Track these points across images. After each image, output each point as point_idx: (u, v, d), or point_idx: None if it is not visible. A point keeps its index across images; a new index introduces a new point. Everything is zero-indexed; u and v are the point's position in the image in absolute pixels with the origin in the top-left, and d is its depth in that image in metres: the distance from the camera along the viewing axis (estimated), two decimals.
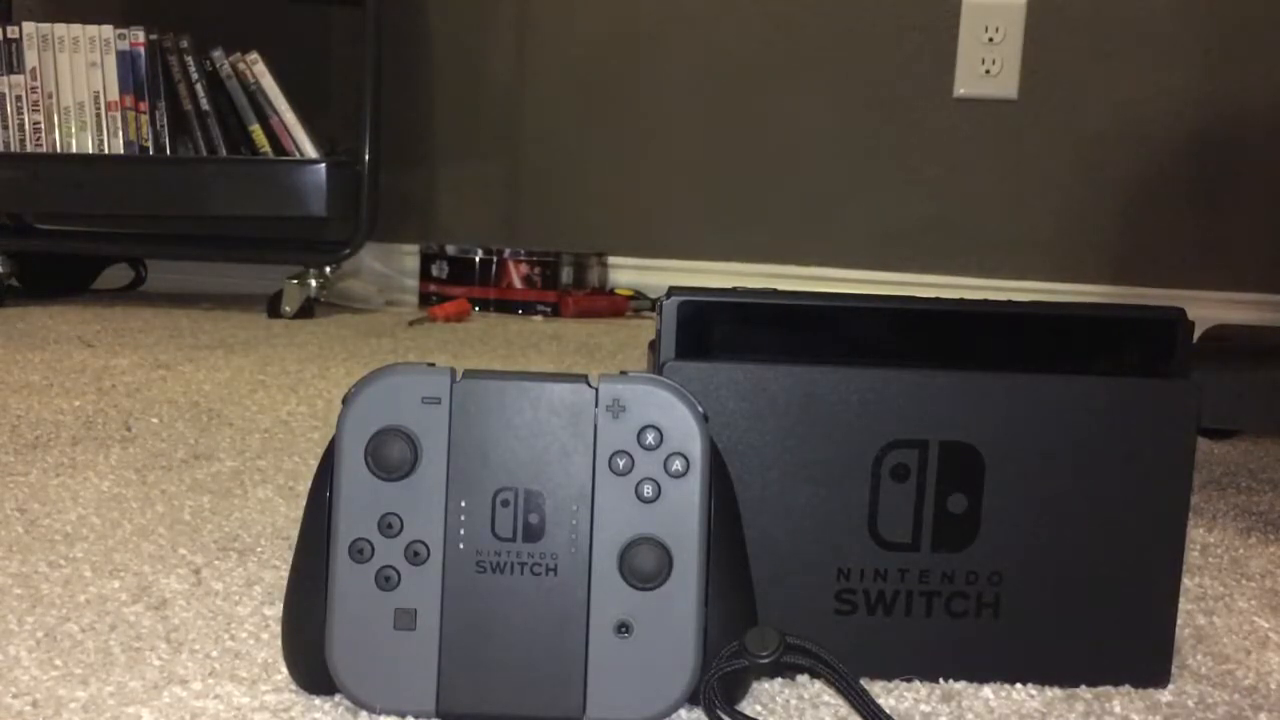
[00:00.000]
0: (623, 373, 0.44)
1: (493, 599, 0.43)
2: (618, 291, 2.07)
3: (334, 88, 2.16)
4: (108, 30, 1.82)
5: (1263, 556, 0.71)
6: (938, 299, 0.49)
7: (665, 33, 2.09)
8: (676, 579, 0.43)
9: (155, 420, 0.97)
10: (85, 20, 1.83)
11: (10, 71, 1.83)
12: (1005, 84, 2.00)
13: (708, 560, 0.43)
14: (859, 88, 2.05)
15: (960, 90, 2.01)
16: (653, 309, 1.94)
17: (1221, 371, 0.86)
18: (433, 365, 0.44)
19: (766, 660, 0.42)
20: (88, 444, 0.88)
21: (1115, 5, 1.96)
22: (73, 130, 1.83)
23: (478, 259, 2.02)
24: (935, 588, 0.48)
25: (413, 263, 2.11)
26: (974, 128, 2.02)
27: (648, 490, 0.43)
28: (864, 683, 0.44)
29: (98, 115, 1.83)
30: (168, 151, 1.84)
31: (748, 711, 0.45)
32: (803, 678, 0.48)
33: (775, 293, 0.49)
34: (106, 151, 1.83)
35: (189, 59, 1.84)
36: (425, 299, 2.05)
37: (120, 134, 1.83)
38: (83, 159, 1.83)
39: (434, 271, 2.05)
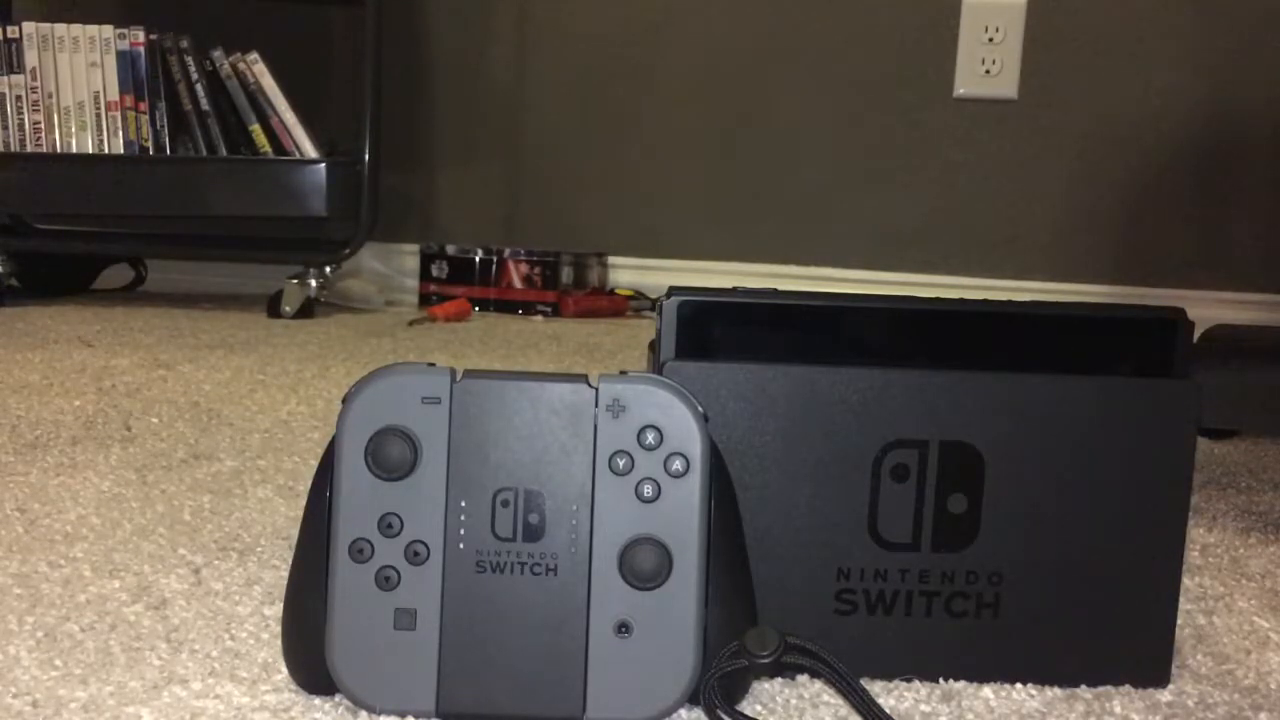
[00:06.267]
0: (623, 373, 0.44)
1: (493, 599, 0.43)
2: (618, 291, 2.07)
3: (334, 88, 2.16)
4: (108, 30, 1.82)
5: (1263, 556, 0.71)
6: (938, 299, 0.49)
7: (665, 32, 2.09)
8: (676, 579, 0.43)
9: (155, 420, 0.97)
10: (85, 20, 1.83)
11: (10, 71, 1.83)
12: (1005, 84, 2.00)
13: (708, 560, 0.43)
14: (859, 87, 2.05)
15: (960, 90, 2.01)
16: (653, 309, 1.94)
17: (1221, 371, 0.86)
18: (433, 365, 0.44)
19: (766, 660, 0.42)
20: (88, 444, 0.88)
21: (1115, 5, 1.96)
22: (73, 130, 1.83)
23: (478, 259, 2.02)
24: (935, 588, 0.48)
25: (413, 263, 2.11)
26: (974, 128, 2.02)
27: (648, 490, 0.43)
28: (864, 683, 0.44)
29: (98, 115, 1.83)
30: (168, 151, 1.84)
31: (748, 711, 0.45)
32: (803, 678, 0.48)
33: (775, 293, 0.49)
34: (106, 151, 1.83)
35: (189, 59, 1.83)
36: (425, 299, 2.05)
37: (120, 134, 1.83)
38: (83, 159, 1.83)
39: (434, 271, 2.05)
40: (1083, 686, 0.49)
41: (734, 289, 0.49)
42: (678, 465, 0.43)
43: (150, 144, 1.83)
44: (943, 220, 2.04)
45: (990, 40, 1.99)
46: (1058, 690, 0.48)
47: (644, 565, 0.43)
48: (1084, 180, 2.00)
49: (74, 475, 0.79)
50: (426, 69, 2.15)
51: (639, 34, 2.10)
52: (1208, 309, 1.84)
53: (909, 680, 0.48)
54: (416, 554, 0.43)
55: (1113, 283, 1.99)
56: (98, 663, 0.48)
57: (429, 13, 2.14)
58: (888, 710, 0.44)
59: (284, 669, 0.46)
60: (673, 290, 0.48)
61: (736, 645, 0.43)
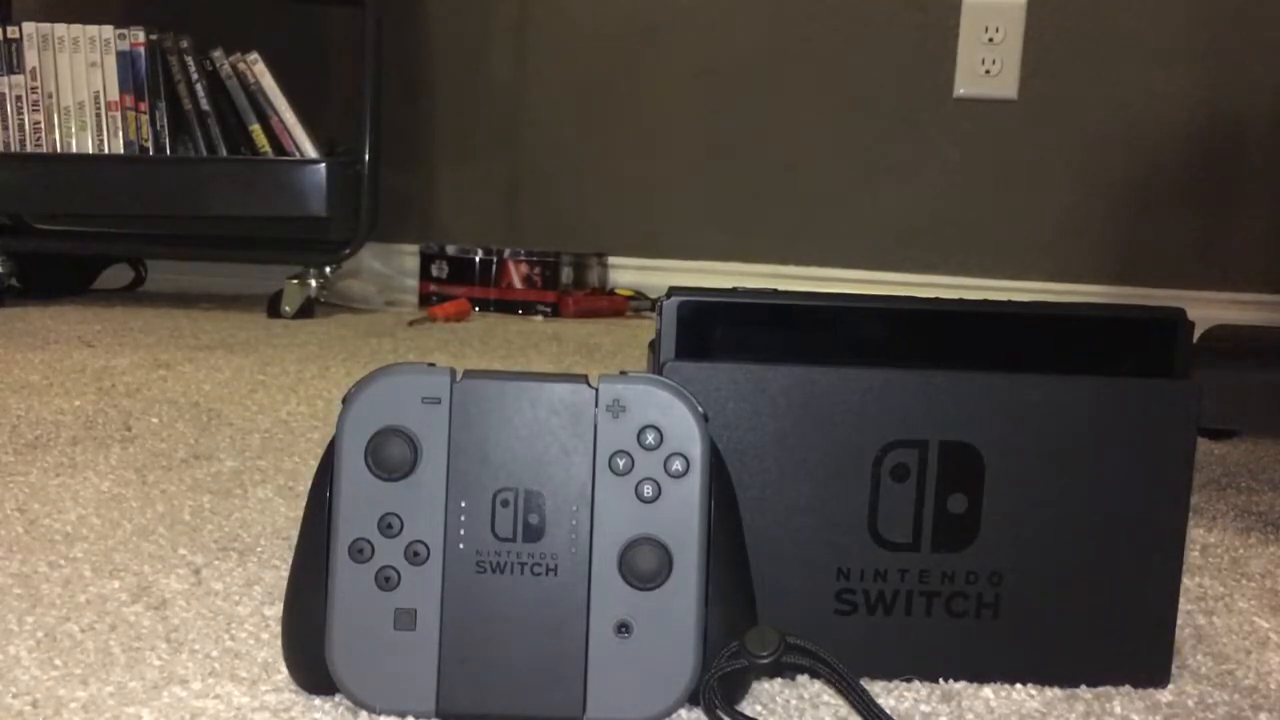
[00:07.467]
0: (623, 373, 0.44)
1: (493, 599, 0.43)
2: (618, 291, 2.07)
3: (334, 88, 2.16)
4: (108, 30, 1.82)
5: (1263, 556, 0.71)
6: (938, 299, 0.49)
7: (665, 32, 2.09)
8: (676, 579, 0.43)
9: (155, 420, 0.97)
10: (85, 20, 1.83)
11: (10, 71, 1.83)
12: (1005, 84, 2.00)
13: (708, 560, 0.43)
14: (859, 87, 2.05)
15: (960, 90, 2.01)
16: (653, 309, 1.94)
17: (1221, 371, 0.86)
18: (433, 365, 0.44)
19: (766, 660, 0.42)
20: (88, 444, 0.88)
21: (1115, 5, 1.96)
22: (73, 130, 1.83)
23: (478, 259, 2.02)
24: (935, 588, 0.48)
25: (413, 263, 2.11)
26: (974, 128, 2.02)
27: (648, 490, 0.43)
28: (864, 683, 0.44)
29: (98, 115, 1.83)
30: (168, 151, 1.84)
31: (748, 711, 0.45)
32: (803, 678, 0.48)
33: (775, 293, 0.49)
34: (106, 151, 1.83)
35: (189, 59, 1.83)
36: (425, 299, 2.05)
37: (120, 134, 1.83)
38: (83, 159, 1.83)
39: (434, 271, 2.05)
40: (1083, 686, 0.49)
41: (734, 289, 0.49)
42: (678, 465, 0.43)
43: (150, 144, 1.83)
44: (943, 220, 2.04)
45: (990, 40, 1.99)
46: (1058, 690, 0.48)
47: (644, 565, 0.43)
48: (1084, 180, 2.00)
49: (74, 475, 0.79)
50: (426, 69, 2.15)
51: (639, 34, 2.10)
52: (1208, 309, 1.84)
53: (909, 680, 0.48)
54: (416, 554, 0.43)
55: (1113, 283, 1.99)
56: (98, 663, 0.48)
57: (429, 13, 2.14)
58: (888, 710, 0.44)
59: (284, 669, 0.46)
60: (673, 290, 0.48)
61: (736, 645, 0.43)
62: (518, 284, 2.01)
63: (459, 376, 0.43)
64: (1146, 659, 0.49)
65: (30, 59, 1.82)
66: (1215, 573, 0.67)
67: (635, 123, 2.12)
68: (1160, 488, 0.48)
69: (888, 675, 0.48)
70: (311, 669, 0.44)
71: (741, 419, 0.47)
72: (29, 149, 1.83)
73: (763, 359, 0.47)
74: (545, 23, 2.13)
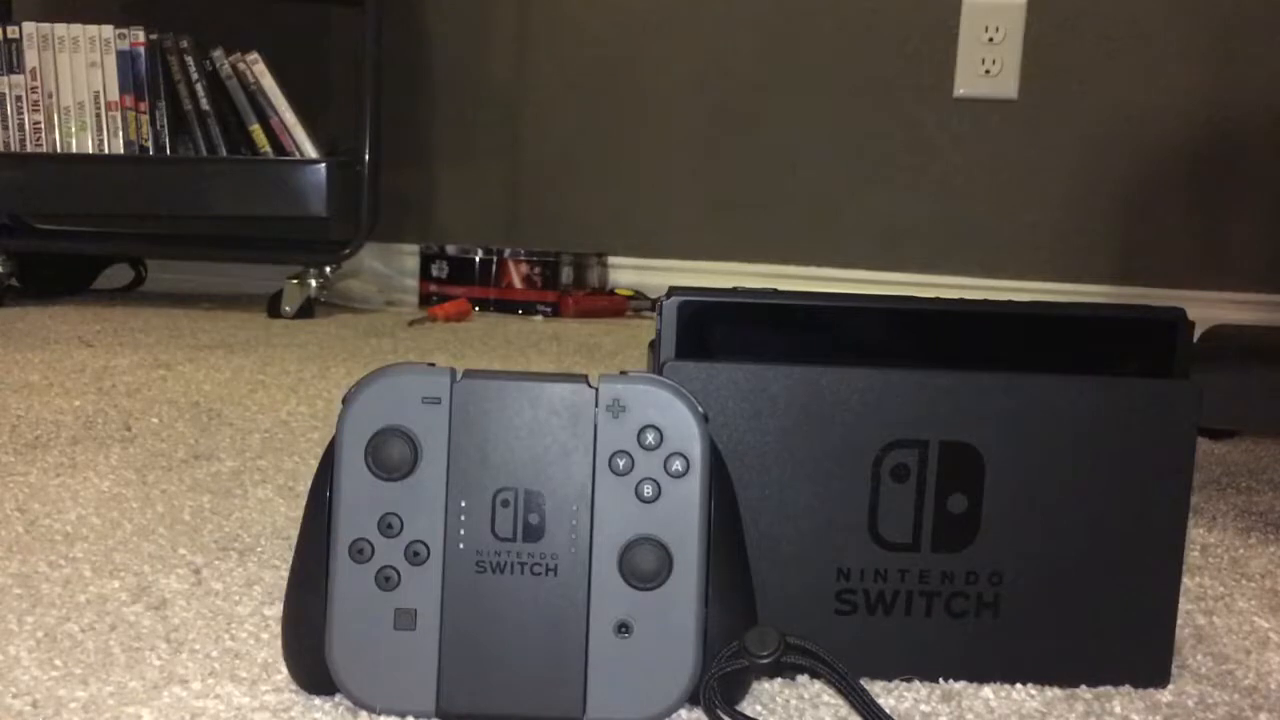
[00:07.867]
0: (623, 373, 0.44)
1: (493, 599, 0.43)
2: (618, 291, 2.07)
3: (334, 88, 2.16)
4: (108, 30, 1.82)
5: (1263, 556, 0.71)
6: (938, 299, 0.49)
7: (665, 33, 2.09)
8: (676, 579, 0.43)
9: (155, 420, 0.97)
10: (85, 20, 1.83)
11: (10, 71, 1.83)
12: (1005, 84, 2.00)
13: (708, 560, 0.43)
14: (859, 88, 2.05)
15: (960, 90, 2.01)
16: (653, 309, 1.94)
17: (1221, 371, 0.86)
18: (433, 365, 0.44)
19: (766, 660, 0.42)
20: (88, 444, 0.88)
21: (1115, 5, 1.96)
22: (73, 130, 1.83)
23: (478, 259, 2.02)
24: (935, 588, 0.48)
25: (413, 263, 2.11)
26: (974, 128, 2.02)
27: (648, 490, 0.43)
28: (864, 683, 0.44)
29: (98, 115, 1.83)
30: (168, 151, 1.84)
31: (748, 711, 0.45)
32: (803, 678, 0.48)
33: (775, 293, 0.49)
34: (106, 151, 1.83)
35: (189, 59, 1.84)
36: (425, 299, 2.05)
37: (120, 134, 1.83)
38: (83, 159, 1.83)
39: (434, 271, 2.05)
40: (1083, 686, 0.49)
41: (734, 289, 0.49)
42: (678, 465, 0.43)
43: (150, 144, 1.83)
44: (943, 220, 2.04)
45: (990, 40, 1.99)
46: (1058, 690, 0.48)
47: (644, 565, 0.43)
48: (1084, 180, 2.00)
49: (74, 475, 0.79)
50: (426, 69, 2.15)
51: (639, 34, 2.10)
52: (1208, 309, 1.84)
53: (909, 680, 0.48)
54: (416, 554, 0.43)
55: (1113, 283, 1.99)
56: (98, 663, 0.48)
57: (429, 13, 2.14)
58: (888, 710, 0.44)
59: (284, 669, 0.46)
60: (673, 290, 0.48)
61: (736, 645, 0.43)
62: (518, 284, 2.01)
63: (459, 376, 0.43)
64: (1146, 659, 0.49)
65: (30, 59, 1.82)
66: (1215, 573, 0.67)
67: (635, 123, 2.12)
68: (1160, 488, 0.48)
69: (888, 675, 0.48)
70: (311, 669, 0.44)
71: (741, 419, 0.47)
72: (29, 149, 1.83)
73: (763, 359, 0.47)
74: (545, 23, 2.13)
